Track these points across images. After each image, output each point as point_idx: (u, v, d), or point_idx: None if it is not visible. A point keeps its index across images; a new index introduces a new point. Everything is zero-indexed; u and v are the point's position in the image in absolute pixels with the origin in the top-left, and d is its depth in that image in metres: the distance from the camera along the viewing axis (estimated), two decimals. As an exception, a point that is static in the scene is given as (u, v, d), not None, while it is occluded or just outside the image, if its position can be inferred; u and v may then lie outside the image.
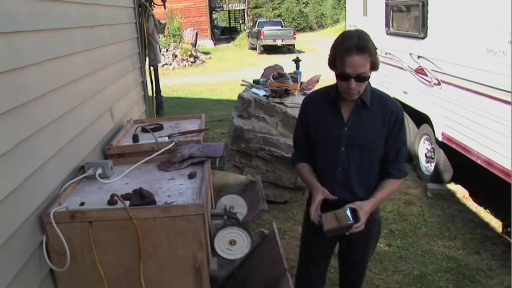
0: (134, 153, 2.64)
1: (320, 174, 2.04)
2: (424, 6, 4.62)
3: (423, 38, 4.67)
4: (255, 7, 33.79)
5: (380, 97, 2.00)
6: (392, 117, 1.94)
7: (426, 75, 4.62)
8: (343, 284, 2.32)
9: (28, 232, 1.75)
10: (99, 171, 2.26)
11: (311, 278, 2.25)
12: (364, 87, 1.89)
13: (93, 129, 2.66)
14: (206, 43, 23.62)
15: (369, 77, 1.86)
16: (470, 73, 3.77)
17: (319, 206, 1.94)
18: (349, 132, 1.95)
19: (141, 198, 1.91)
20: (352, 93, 1.87)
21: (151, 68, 5.16)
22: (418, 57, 4.77)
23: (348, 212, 1.85)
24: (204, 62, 17.38)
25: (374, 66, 1.85)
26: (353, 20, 7.25)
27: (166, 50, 16.52)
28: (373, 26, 6.09)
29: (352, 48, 1.78)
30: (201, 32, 22.41)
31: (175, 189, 2.13)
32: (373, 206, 1.95)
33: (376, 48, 1.85)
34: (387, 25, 5.69)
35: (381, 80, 5.77)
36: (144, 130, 3.00)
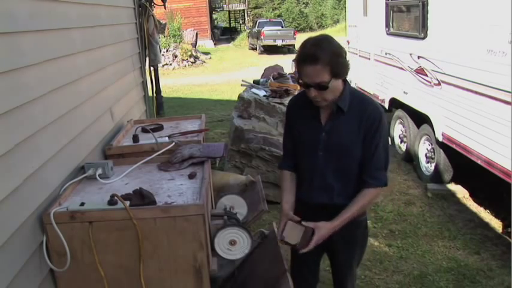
0: (134, 154, 2.64)
1: (300, 177, 2.05)
2: (424, 6, 4.62)
3: (423, 38, 4.67)
4: (255, 7, 33.80)
5: (360, 100, 1.90)
6: (369, 120, 1.84)
7: (426, 76, 4.62)
8: (335, 285, 2.32)
9: (28, 232, 1.75)
10: (99, 171, 2.26)
11: (304, 277, 2.26)
12: (329, 95, 1.81)
13: (93, 130, 2.66)
14: (206, 43, 23.64)
15: (328, 87, 1.76)
16: (470, 73, 3.77)
17: (284, 226, 1.93)
18: (326, 137, 1.90)
19: (141, 198, 1.91)
20: (316, 101, 1.84)
21: (152, 68, 5.17)
22: (418, 57, 4.77)
23: (300, 233, 1.86)
24: (204, 62, 17.40)
25: (337, 74, 1.76)
26: (353, 20, 7.25)
27: (167, 50, 16.54)
28: (373, 26, 6.10)
29: (305, 59, 1.73)
30: (201, 32, 22.43)
31: (176, 189, 2.13)
32: (336, 227, 1.88)
33: (338, 55, 1.76)
34: (387, 25, 5.69)
35: (381, 80, 5.78)
36: (144, 130, 3.00)
